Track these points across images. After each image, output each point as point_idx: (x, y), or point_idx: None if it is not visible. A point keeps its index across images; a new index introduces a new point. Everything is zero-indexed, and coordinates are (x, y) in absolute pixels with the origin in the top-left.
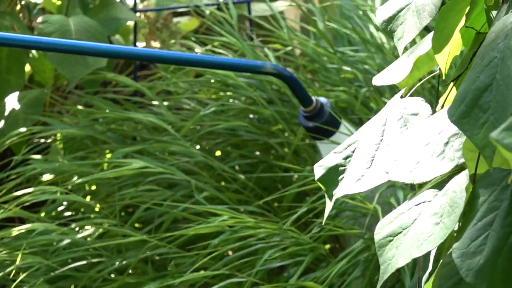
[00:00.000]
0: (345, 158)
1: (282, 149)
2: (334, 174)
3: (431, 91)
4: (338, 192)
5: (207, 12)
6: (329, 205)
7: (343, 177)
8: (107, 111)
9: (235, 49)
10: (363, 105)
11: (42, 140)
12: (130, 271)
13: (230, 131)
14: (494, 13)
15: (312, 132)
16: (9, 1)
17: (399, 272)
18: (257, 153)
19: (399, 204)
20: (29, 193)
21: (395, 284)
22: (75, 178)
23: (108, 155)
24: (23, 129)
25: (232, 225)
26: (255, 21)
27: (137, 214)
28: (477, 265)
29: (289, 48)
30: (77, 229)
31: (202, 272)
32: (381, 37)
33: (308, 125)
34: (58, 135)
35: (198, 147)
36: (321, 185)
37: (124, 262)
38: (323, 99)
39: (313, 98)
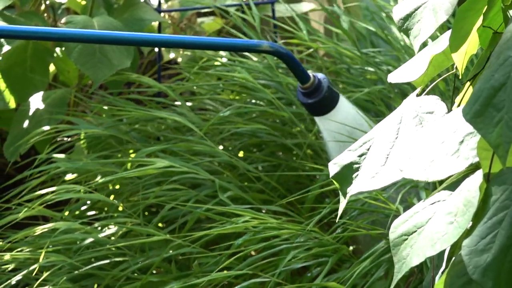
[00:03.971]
0: (360, 156)
1: (301, 150)
2: (348, 172)
3: (447, 90)
4: (352, 190)
5: (231, 12)
6: (343, 202)
7: (357, 175)
8: (131, 111)
9: None
10: (386, 106)
11: (66, 139)
12: (153, 271)
13: (251, 133)
14: (511, 12)
15: (311, 108)
16: (34, 1)
17: (421, 272)
18: (280, 153)
19: None
20: (53, 191)
21: (418, 285)
22: (99, 177)
23: (132, 155)
24: (46, 128)
25: (255, 226)
26: (279, 22)
27: (161, 214)
28: (484, 263)
29: (311, 50)
30: (100, 228)
31: (225, 272)
32: (404, 38)
33: (306, 102)
34: (82, 134)
35: (221, 147)
36: (335, 183)
37: (147, 261)
38: (320, 75)
39: (311, 74)
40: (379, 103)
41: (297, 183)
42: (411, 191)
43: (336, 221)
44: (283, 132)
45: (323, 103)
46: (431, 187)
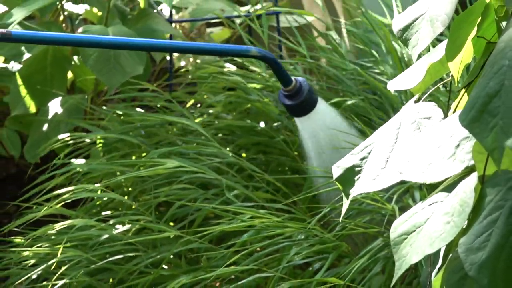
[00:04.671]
0: (361, 159)
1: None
2: (350, 174)
3: (443, 97)
4: (354, 191)
5: (238, 23)
6: (346, 203)
7: (359, 177)
8: (144, 116)
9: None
10: (379, 110)
11: (84, 142)
12: (164, 265)
13: (255, 135)
14: (504, 24)
15: (292, 109)
16: (53, 12)
17: (416, 269)
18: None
19: (415, 203)
20: (71, 191)
21: (413, 280)
22: (113, 177)
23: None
24: (65, 135)
25: (260, 223)
26: (284, 32)
27: (171, 211)
28: (480, 260)
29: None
30: (115, 225)
31: (232, 267)
32: (401, 48)
33: (287, 103)
34: (98, 140)
35: (228, 149)
36: (338, 185)
37: (158, 256)
38: (301, 79)
39: (292, 78)
40: (374, 110)
41: (300, 184)
42: (406, 192)
43: (339, 220)
44: (272, 131)
45: (303, 104)
46: (425, 188)
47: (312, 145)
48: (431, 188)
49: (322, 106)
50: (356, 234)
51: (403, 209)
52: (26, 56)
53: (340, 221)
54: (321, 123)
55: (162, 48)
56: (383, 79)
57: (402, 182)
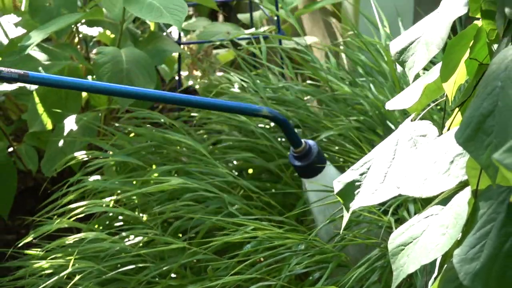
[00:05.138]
0: (361, 174)
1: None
2: (351, 189)
3: (438, 115)
4: (354, 205)
5: (243, 44)
6: (346, 216)
7: (359, 191)
8: (153, 134)
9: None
10: (371, 131)
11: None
12: (172, 275)
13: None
14: (495, 46)
15: (300, 170)
16: (69, 34)
17: (411, 277)
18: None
19: (411, 217)
20: (84, 205)
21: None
22: (124, 192)
23: (155, 174)
24: (81, 153)
25: (262, 235)
26: (286, 53)
27: (176, 225)
28: (474, 270)
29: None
30: (125, 238)
31: (236, 276)
32: (388, 68)
33: (297, 164)
34: (110, 157)
35: (230, 164)
36: (339, 199)
37: (166, 267)
38: (311, 142)
39: (303, 140)
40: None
41: (299, 198)
42: (401, 205)
43: (340, 232)
44: (268, 157)
45: (312, 167)
46: (420, 201)
47: (317, 207)
48: (425, 201)
49: (330, 169)
50: (354, 245)
51: (398, 221)
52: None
53: (340, 233)
54: (328, 185)
55: (176, 101)
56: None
57: (399, 196)
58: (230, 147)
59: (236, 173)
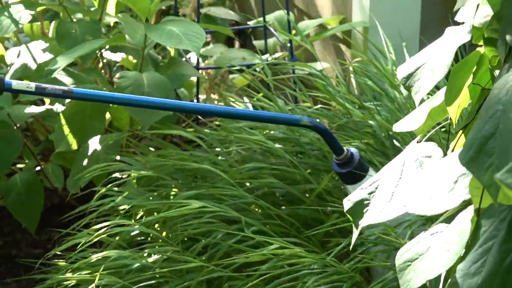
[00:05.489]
0: (370, 193)
1: (305, 196)
2: (360, 207)
3: (443, 137)
4: (363, 222)
5: (257, 70)
6: (355, 233)
7: (367, 210)
8: (173, 154)
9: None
10: (380, 152)
11: (119, 175)
12: None
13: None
14: (497, 72)
15: (344, 177)
16: (93, 59)
17: None
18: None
19: None
20: (107, 226)
21: None
22: (146, 212)
23: (174, 189)
24: (103, 164)
25: (280, 254)
26: (298, 78)
27: (198, 245)
28: (476, 284)
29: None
30: (146, 254)
31: None
32: (394, 92)
33: (340, 171)
34: (132, 173)
35: (248, 184)
36: (349, 216)
37: (185, 284)
38: (353, 149)
39: (344, 148)
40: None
41: (315, 219)
42: (420, 229)
43: (350, 250)
44: (290, 181)
45: (355, 173)
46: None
47: None
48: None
49: (372, 174)
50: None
51: None
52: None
53: (355, 255)
54: None
55: (218, 113)
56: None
57: (416, 218)
58: (254, 169)
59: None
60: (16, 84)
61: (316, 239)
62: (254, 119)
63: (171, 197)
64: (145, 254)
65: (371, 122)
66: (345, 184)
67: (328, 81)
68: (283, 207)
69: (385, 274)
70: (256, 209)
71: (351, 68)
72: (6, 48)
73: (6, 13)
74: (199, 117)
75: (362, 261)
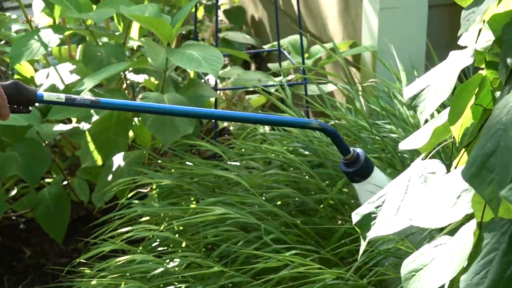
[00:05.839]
0: (377, 207)
1: (319, 205)
2: (367, 220)
3: (447, 155)
4: (370, 234)
5: (272, 91)
6: (363, 245)
7: (374, 223)
8: (193, 168)
9: None
10: (389, 166)
11: (142, 190)
12: None
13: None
14: (498, 93)
15: (351, 175)
16: (117, 81)
17: None
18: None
19: None
20: (131, 230)
21: None
22: (168, 219)
23: (194, 202)
24: (127, 179)
25: (298, 266)
26: (310, 99)
27: (218, 251)
28: None
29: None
30: (168, 260)
31: None
32: (406, 112)
33: (347, 170)
34: (154, 185)
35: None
36: (357, 229)
37: None
38: (358, 150)
39: (351, 148)
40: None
41: (325, 229)
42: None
43: (357, 260)
44: (305, 191)
45: (361, 171)
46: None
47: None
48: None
49: (377, 173)
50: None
51: None
52: (95, 118)
53: (371, 267)
54: (376, 187)
55: (235, 118)
56: (393, 137)
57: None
58: (272, 181)
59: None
60: (47, 95)
61: (329, 246)
62: (269, 123)
63: (193, 205)
64: (168, 260)
65: (379, 138)
66: (352, 182)
67: (338, 101)
68: (299, 217)
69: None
70: (274, 218)
71: (360, 88)
72: (36, 70)
73: (36, 37)
74: (217, 134)
75: (377, 274)
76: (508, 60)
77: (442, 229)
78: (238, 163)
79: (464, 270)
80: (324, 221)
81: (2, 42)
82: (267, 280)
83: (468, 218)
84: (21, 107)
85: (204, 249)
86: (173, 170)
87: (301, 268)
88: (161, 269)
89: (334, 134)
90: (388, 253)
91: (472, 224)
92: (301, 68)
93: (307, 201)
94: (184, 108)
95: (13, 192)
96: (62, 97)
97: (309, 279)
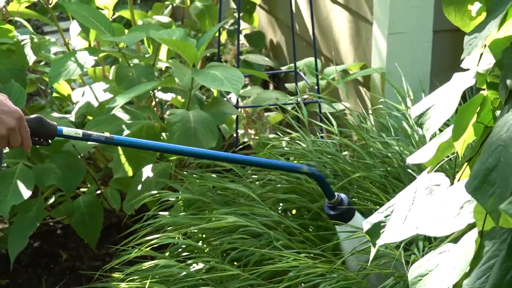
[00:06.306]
0: (386, 217)
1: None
2: (377, 228)
3: (450, 168)
4: (380, 242)
5: (289, 108)
6: (373, 251)
7: (383, 231)
8: (213, 181)
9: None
10: (396, 180)
11: (168, 199)
12: None
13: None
14: (498, 112)
15: (334, 218)
16: (147, 98)
17: None
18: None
19: (419, 251)
20: (157, 238)
21: None
22: (190, 228)
23: (213, 211)
24: (154, 192)
25: (299, 264)
26: (324, 116)
27: (232, 254)
28: None
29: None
30: (190, 265)
31: None
32: (413, 129)
33: (330, 213)
34: (180, 197)
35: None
36: (368, 237)
37: None
38: (342, 195)
39: (336, 193)
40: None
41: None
42: (412, 241)
43: (368, 265)
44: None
45: (343, 215)
46: (433, 239)
47: (347, 247)
48: (434, 238)
49: (358, 217)
50: (374, 274)
51: (410, 255)
52: (126, 132)
53: (366, 265)
54: (356, 229)
55: (231, 160)
56: (399, 152)
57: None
58: (278, 190)
59: (282, 214)
60: (66, 130)
61: (329, 249)
62: (261, 165)
63: (211, 215)
64: (190, 264)
65: (388, 153)
66: (334, 224)
67: (349, 119)
68: (305, 222)
69: (378, 282)
70: (282, 226)
71: (369, 106)
72: (73, 88)
73: (72, 59)
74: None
75: (367, 269)
76: (508, 82)
77: (446, 237)
78: (256, 176)
79: (466, 275)
80: (327, 225)
81: (42, 63)
82: (279, 281)
83: (470, 227)
84: (42, 139)
85: (223, 254)
86: (197, 181)
87: (298, 262)
88: (184, 273)
89: (321, 180)
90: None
91: (474, 233)
92: (316, 87)
93: (312, 207)
94: (190, 149)
95: (51, 201)
96: (79, 132)
97: (309, 272)
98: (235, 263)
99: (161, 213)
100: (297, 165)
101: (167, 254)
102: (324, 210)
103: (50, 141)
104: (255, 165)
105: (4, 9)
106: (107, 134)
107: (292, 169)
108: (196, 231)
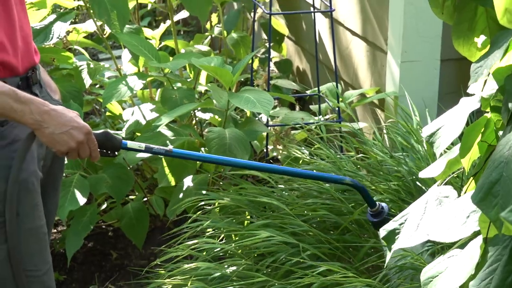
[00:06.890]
0: (400, 224)
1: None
2: (392, 235)
3: (457, 182)
4: (395, 246)
5: (313, 127)
6: (389, 255)
7: (398, 237)
8: (248, 189)
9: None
10: (407, 192)
11: (207, 206)
12: None
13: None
14: (501, 132)
15: (376, 225)
16: (188, 118)
17: None
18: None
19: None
20: (197, 242)
21: None
22: (226, 234)
23: (248, 217)
24: (194, 198)
25: (328, 275)
26: (345, 135)
27: (264, 261)
28: None
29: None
30: (226, 266)
31: None
32: (418, 146)
33: (373, 220)
34: (216, 203)
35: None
36: (384, 242)
37: None
38: (383, 204)
39: (377, 202)
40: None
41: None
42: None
43: (384, 266)
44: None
45: (384, 222)
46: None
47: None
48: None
49: None
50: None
51: None
52: (169, 147)
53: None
54: None
55: (276, 171)
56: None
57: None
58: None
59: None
60: (130, 144)
61: (357, 259)
62: (306, 177)
63: (245, 222)
64: (225, 266)
65: (400, 168)
66: (377, 230)
67: (365, 138)
68: (332, 233)
69: None
70: (311, 235)
71: (384, 126)
72: (123, 108)
73: (124, 82)
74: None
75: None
76: (510, 105)
77: (454, 243)
78: (283, 186)
79: (472, 277)
80: (354, 238)
81: (97, 86)
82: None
83: (475, 234)
84: (109, 152)
85: (255, 257)
86: (231, 190)
87: (337, 276)
88: (219, 273)
89: (363, 190)
90: (405, 266)
91: (479, 239)
92: (337, 109)
93: (339, 221)
94: (234, 160)
95: (103, 206)
96: (142, 146)
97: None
98: (267, 267)
99: (202, 216)
100: (340, 177)
101: (204, 253)
102: (368, 218)
103: (116, 153)
104: (301, 176)
105: (64, 39)
106: (168, 147)
107: (335, 180)
108: (231, 236)
